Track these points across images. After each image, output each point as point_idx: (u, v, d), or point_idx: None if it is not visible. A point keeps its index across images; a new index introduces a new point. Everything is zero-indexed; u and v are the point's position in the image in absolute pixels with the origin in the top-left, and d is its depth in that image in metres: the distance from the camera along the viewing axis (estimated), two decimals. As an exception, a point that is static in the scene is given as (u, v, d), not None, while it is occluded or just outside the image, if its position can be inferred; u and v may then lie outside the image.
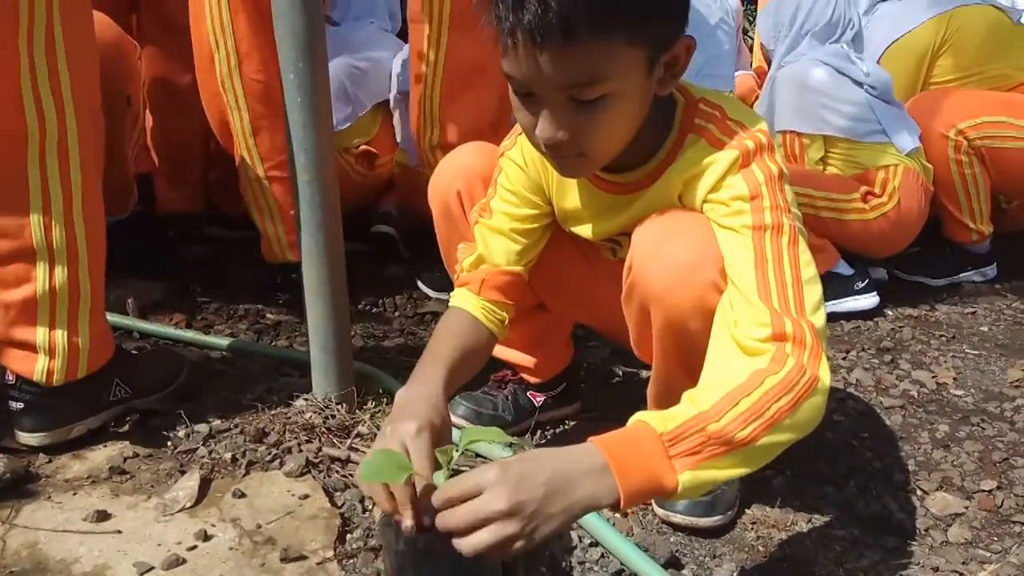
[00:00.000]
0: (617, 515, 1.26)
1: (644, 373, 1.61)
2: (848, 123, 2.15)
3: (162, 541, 1.16)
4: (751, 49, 4.14)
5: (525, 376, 1.54)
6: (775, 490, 1.34)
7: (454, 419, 1.47)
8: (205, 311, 1.99)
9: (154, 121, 2.27)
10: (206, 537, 1.16)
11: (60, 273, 1.30)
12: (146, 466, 1.34)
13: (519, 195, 1.23)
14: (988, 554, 1.21)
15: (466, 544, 0.82)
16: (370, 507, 1.24)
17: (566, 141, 0.99)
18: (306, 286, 1.44)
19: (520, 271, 1.25)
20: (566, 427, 1.54)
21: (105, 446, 1.39)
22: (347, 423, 1.43)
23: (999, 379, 1.79)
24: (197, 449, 1.37)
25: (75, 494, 1.26)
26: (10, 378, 1.35)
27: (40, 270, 1.29)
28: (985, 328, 2.07)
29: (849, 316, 2.10)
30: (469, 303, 1.21)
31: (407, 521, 0.89)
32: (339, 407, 1.45)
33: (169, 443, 1.40)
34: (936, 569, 1.17)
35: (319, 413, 1.44)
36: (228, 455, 1.35)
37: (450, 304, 1.24)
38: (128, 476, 1.31)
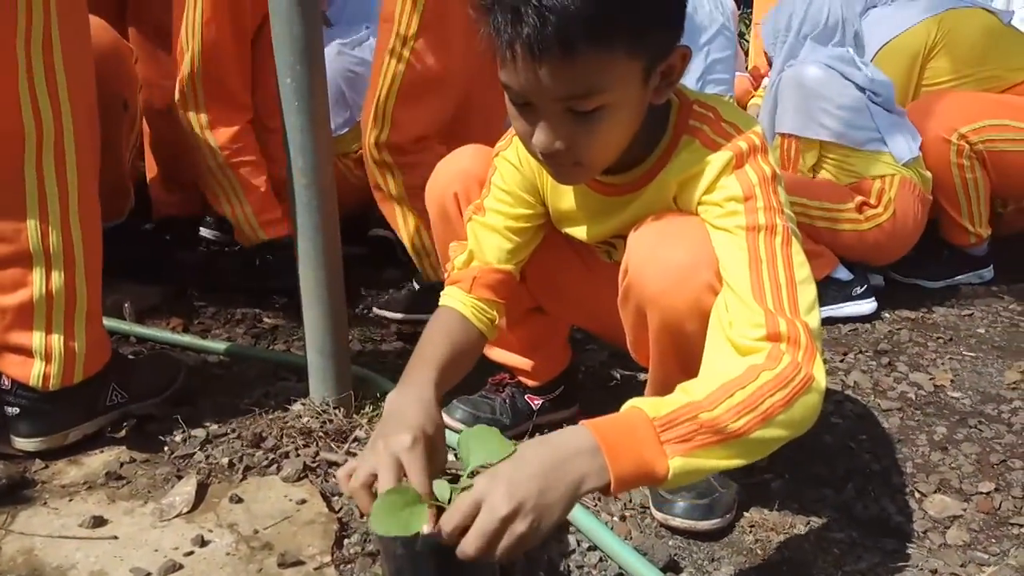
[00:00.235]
0: (615, 519, 1.26)
1: (642, 376, 1.60)
2: (845, 128, 2.15)
3: (159, 547, 1.15)
4: (746, 52, 4.16)
5: (523, 379, 1.54)
6: (773, 493, 1.34)
7: (452, 423, 1.47)
8: (202, 315, 1.99)
9: (147, 124, 2.27)
10: (203, 543, 1.16)
11: (56, 277, 1.30)
12: (143, 471, 1.34)
13: (513, 194, 1.23)
14: (986, 556, 1.21)
15: (491, 558, 0.82)
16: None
17: (563, 150, 1.00)
18: (303, 290, 1.44)
19: (511, 270, 1.25)
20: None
21: (101, 451, 1.38)
22: (345, 427, 1.43)
23: (996, 381, 1.79)
24: (194, 454, 1.37)
25: (71, 500, 1.26)
26: (6, 383, 1.34)
27: (36, 274, 1.29)
28: (982, 330, 2.07)
29: (847, 319, 2.11)
30: (459, 301, 1.21)
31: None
32: (337, 411, 1.45)
33: (166, 448, 1.40)
34: (935, 571, 1.17)
35: (316, 417, 1.44)
36: (225, 460, 1.35)
37: (440, 303, 1.23)
38: (125, 481, 1.31)
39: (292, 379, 1.64)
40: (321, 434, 1.40)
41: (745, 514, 1.28)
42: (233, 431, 1.44)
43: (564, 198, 1.22)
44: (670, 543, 1.22)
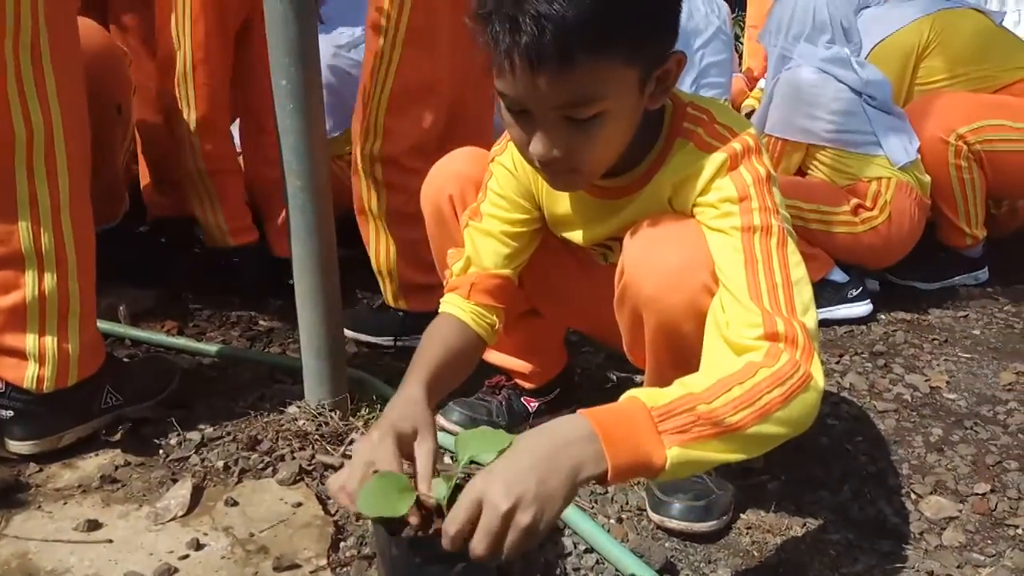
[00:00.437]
0: (612, 521, 1.26)
1: (638, 378, 1.60)
2: (837, 133, 2.15)
3: (154, 550, 1.15)
4: (740, 55, 4.18)
5: (519, 382, 1.54)
6: (770, 495, 1.34)
7: (448, 425, 1.47)
8: (197, 318, 1.98)
9: (137, 126, 2.27)
10: (198, 546, 1.15)
11: (49, 279, 1.29)
12: (137, 475, 1.33)
13: (509, 199, 1.23)
14: (982, 557, 1.21)
15: (505, 559, 0.82)
16: (364, 514, 1.24)
17: (560, 158, 1.00)
18: (298, 292, 1.43)
19: (509, 275, 1.24)
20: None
21: (96, 454, 1.38)
22: (341, 430, 1.42)
23: (992, 382, 1.79)
24: (189, 457, 1.37)
25: (66, 503, 1.25)
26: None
27: (29, 276, 1.28)
28: (977, 332, 2.08)
29: (842, 321, 2.11)
30: (458, 308, 1.21)
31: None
32: (332, 414, 1.45)
33: (161, 451, 1.39)
34: (931, 573, 1.17)
35: (312, 420, 1.44)
36: (220, 463, 1.34)
37: (440, 310, 1.23)
38: (119, 485, 1.30)
39: (288, 382, 1.63)
40: (317, 437, 1.40)
41: (742, 516, 1.28)
42: (228, 434, 1.43)
43: (560, 202, 1.22)
44: (667, 545, 1.22)
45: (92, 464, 1.35)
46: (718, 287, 1.02)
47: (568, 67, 0.90)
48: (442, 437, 1.43)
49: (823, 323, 2.07)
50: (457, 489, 0.87)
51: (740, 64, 4.05)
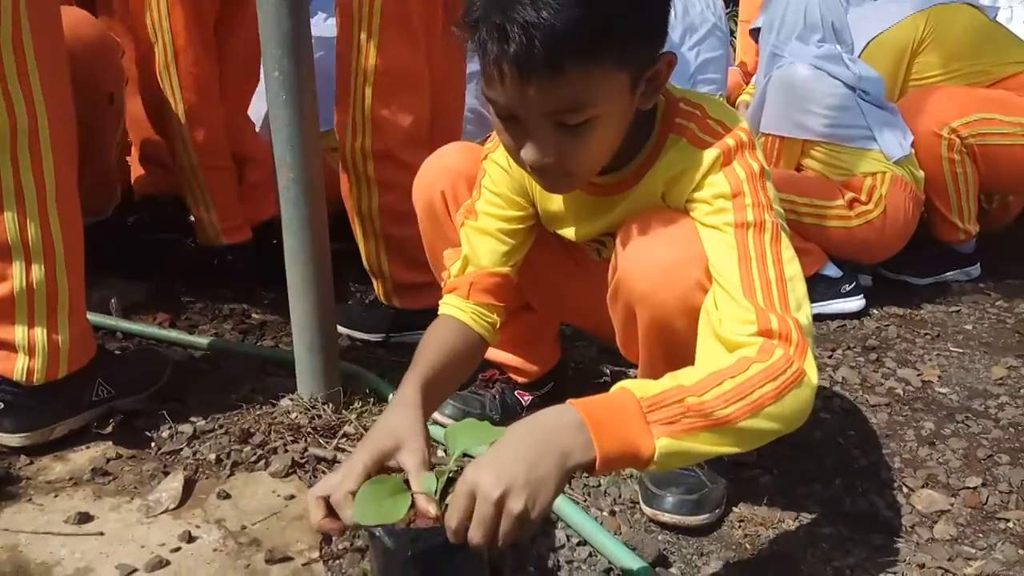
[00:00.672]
0: (605, 513, 1.26)
1: (631, 372, 1.61)
2: (832, 128, 2.15)
3: (145, 543, 1.14)
4: (734, 49, 4.18)
5: (512, 376, 1.54)
6: (762, 488, 1.34)
7: (441, 419, 1.47)
8: (189, 311, 1.97)
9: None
10: (190, 539, 1.15)
11: (37, 270, 1.29)
12: (129, 467, 1.33)
13: (504, 197, 1.23)
14: (973, 550, 1.21)
15: (498, 547, 0.82)
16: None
17: (552, 163, 0.99)
18: (290, 286, 1.43)
19: (508, 272, 1.24)
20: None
21: (87, 447, 1.37)
22: (333, 423, 1.42)
23: (983, 377, 1.80)
24: (181, 450, 1.36)
25: (57, 496, 1.25)
26: (-11, 378, 1.33)
27: (16, 267, 1.28)
28: (969, 326, 2.09)
29: (835, 315, 2.11)
30: (457, 308, 1.20)
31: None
32: (325, 407, 1.44)
33: (153, 444, 1.38)
34: (922, 566, 1.17)
35: (305, 413, 1.43)
36: (212, 456, 1.34)
37: (439, 311, 1.22)
38: (111, 477, 1.30)
39: (280, 375, 1.63)
40: (309, 430, 1.40)
41: (734, 509, 1.28)
42: (221, 427, 1.43)
43: (553, 199, 1.21)
44: (659, 538, 1.22)
45: (83, 457, 1.35)
46: (711, 284, 1.02)
47: (558, 75, 0.90)
48: (435, 430, 1.43)
49: (816, 318, 2.07)
50: (450, 482, 0.87)
51: (733, 59, 4.05)
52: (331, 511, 0.90)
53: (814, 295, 2.04)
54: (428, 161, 1.38)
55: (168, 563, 1.10)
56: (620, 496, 1.31)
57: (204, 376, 1.65)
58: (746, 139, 1.05)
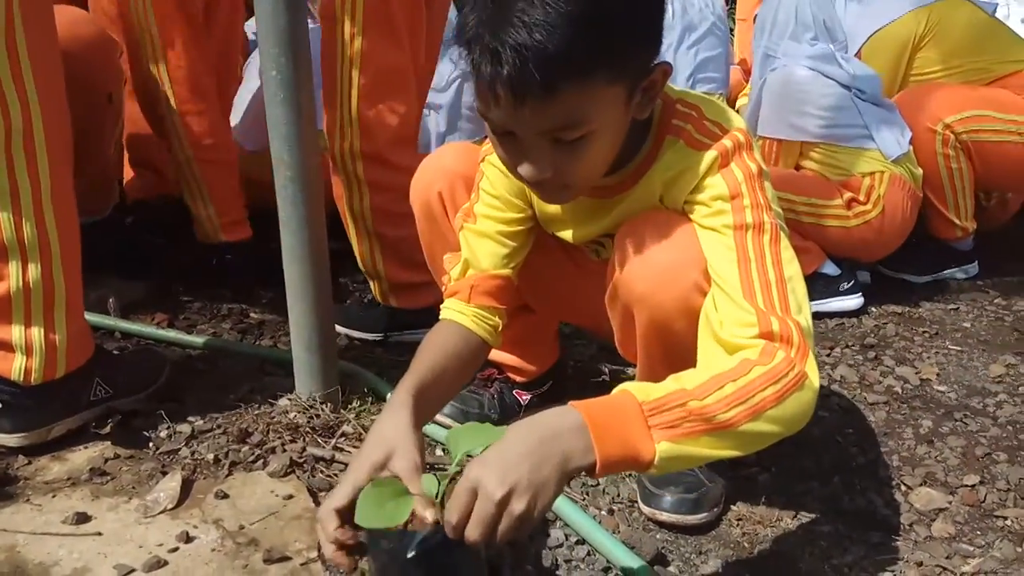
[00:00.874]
0: (604, 512, 1.26)
1: (630, 370, 1.60)
2: (828, 128, 2.15)
3: (143, 543, 1.14)
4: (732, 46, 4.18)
5: (511, 375, 1.53)
6: (760, 487, 1.34)
7: (440, 418, 1.46)
8: (188, 310, 1.97)
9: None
10: (188, 539, 1.15)
11: (33, 270, 1.28)
12: (127, 467, 1.32)
13: (503, 199, 1.22)
14: (971, 548, 1.21)
15: (496, 544, 0.82)
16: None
17: (549, 177, 0.99)
18: (288, 285, 1.42)
19: (509, 274, 1.23)
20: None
21: (85, 447, 1.37)
22: (332, 423, 1.42)
23: (981, 375, 1.80)
24: (179, 450, 1.36)
25: (55, 496, 1.24)
26: (-13, 378, 1.33)
27: (12, 267, 1.27)
28: (967, 324, 2.09)
29: (833, 314, 2.11)
30: (459, 312, 1.19)
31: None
32: (324, 406, 1.44)
33: (151, 444, 1.38)
34: (920, 564, 1.17)
35: (303, 413, 1.43)
36: (211, 456, 1.34)
37: (440, 316, 1.21)
38: (109, 477, 1.30)
39: (279, 374, 1.63)
40: (308, 430, 1.39)
41: (732, 507, 1.28)
42: (219, 426, 1.43)
43: None
44: (658, 537, 1.22)
45: (81, 457, 1.35)
46: (710, 285, 1.02)
47: (552, 96, 0.89)
48: (434, 430, 1.43)
49: (814, 316, 2.05)
50: (453, 484, 0.87)
51: (735, 54, 4.05)
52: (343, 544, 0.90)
53: (813, 293, 2.04)
54: (425, 162, 1.38)
55: (166, 563, 1.10)
56: (618, 495, 1.31)
57: (202, 376, 1.65)
58: (743, 140, 1.05)
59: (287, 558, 1.12)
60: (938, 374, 1.79)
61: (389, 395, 1.05)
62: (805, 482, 1.37)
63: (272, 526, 1.19)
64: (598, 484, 1.32)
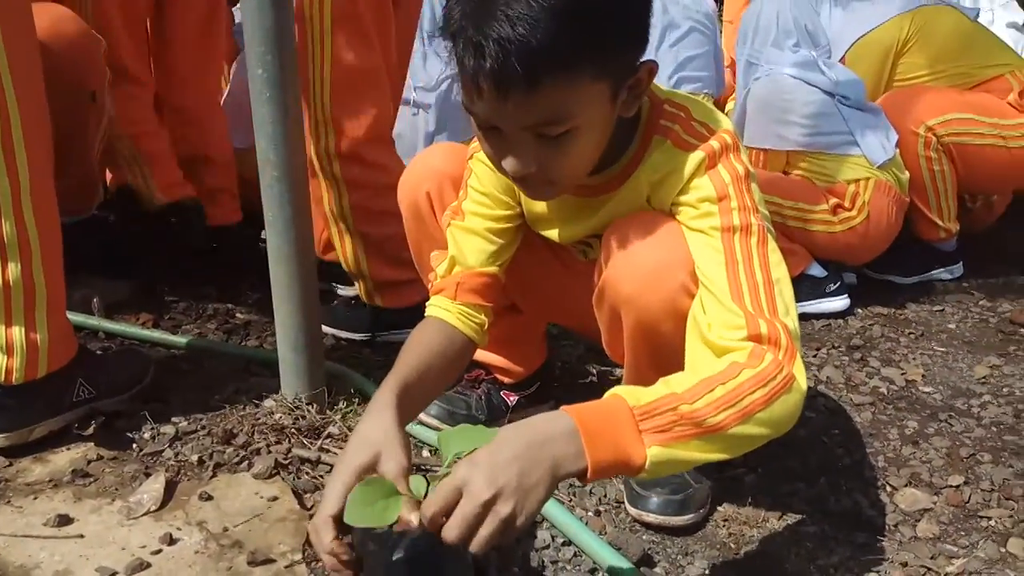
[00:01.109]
0: (590, 513, 1.26)
1: (618, 371, 1.60)
2: (812, 136, 2.16)
3: (126, 545, 1.13)
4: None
5: (498, 376, 1.53)
6: (747, 487, 1.34)
7: (427, 419, 1.46)
8: (172, 310, 1.96)
9: None
10: (171, 541, 1.14)
11: (13, 269, 1.27)
12: (110, 469, 1.31)
13: (491, 196, 1.22)
14: (956, 549, 1.22)
15: (475, 546, 0.81)
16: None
17: (534, 172, 0.99)
18: (274, 285, 1.42)
19: (496, 272, 1.23)
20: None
21: (68, 448, 1.36)
22: (317, 424, 1.41)
23: (966, 376, 1.81)
24: (163, 451, 1.35)
25: (36, 498, 1.23)
26: (-32, 379, 1.31)
27: None
28: (953, 326, 2.10)
29: (820, 315, 2.12)
30: (444, 309, 1.18)
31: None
32: (309, 407, 1.43)
33: (134, 445, 1.37)
34: (905, 564, 1.18)
35: (289, 414, 1.42)
36: (195, 457, 1.33)
37: (426, 313, 1.20)
38: (91, 479, 1.28)
39: (264, 375, 1.62)
40: (293, 431, 1.39)
41: (719, 508, 1.29)
42: (203, 428, 1.42)
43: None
44: (644, 538, 1.22)
45: (64, 458, 1.33)
46: (697, 287, 1.02)
47: (535, 90, 0.89)
48: (422, 431, 1.43)
49: (801, 317, 2.05)
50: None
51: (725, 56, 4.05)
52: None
53: (799, 295, 2.03)
54: (413, 162, 1.37)
55: (149, 565, 1.09)
56: (605, 496, 1.31)
57: (187, 376, 1.63)
58: (731, 141, 1.05)
59: (271, 560, 1.11)
60: (923, 375, 1.80)
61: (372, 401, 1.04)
62: (791, 483, 1.37)
63: (257, 528, 1.18)
64: (585, 485, 1.32)
